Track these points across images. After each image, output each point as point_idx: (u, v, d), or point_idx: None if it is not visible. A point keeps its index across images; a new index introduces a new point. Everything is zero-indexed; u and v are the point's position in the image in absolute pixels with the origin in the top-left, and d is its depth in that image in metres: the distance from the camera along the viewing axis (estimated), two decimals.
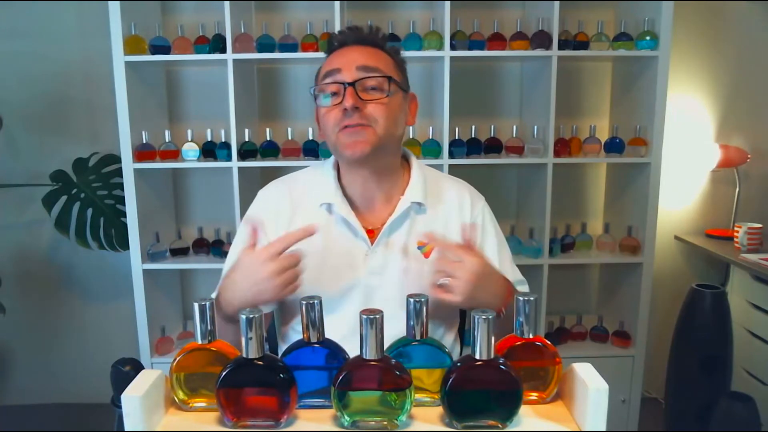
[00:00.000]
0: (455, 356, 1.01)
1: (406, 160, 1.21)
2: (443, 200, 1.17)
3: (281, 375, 0.70)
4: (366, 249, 1.11)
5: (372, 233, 1.12)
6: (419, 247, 1.12)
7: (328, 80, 1.07)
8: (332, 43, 1.13)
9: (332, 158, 1.18)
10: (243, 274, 0.95)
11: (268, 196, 1.19)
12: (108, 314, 2.56)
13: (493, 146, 2.15)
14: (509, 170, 2.45)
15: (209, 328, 0.74)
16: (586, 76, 2.40)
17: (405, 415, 0.70)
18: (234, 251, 1.17)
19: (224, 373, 0.70)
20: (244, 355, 0.70)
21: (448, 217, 1.16)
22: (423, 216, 1.14)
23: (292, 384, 0.71)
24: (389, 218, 1.11)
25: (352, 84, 1.04)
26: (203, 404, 0.75)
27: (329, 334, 0.78)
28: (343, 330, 0.95)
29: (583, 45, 2.09)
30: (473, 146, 2.14)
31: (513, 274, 1.18)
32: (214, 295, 1.04)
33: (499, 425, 0.70)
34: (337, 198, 1.12)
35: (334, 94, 1.06)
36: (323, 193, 1.13)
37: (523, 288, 1.20)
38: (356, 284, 1.10)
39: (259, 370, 0.70)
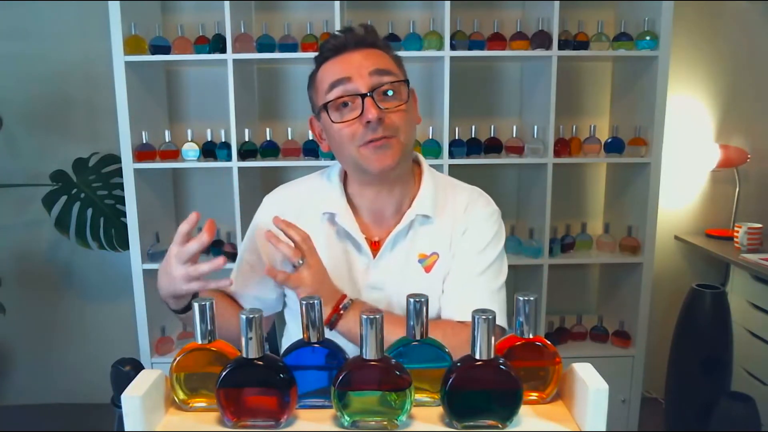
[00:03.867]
0: None
1: (417, 164, 1.14)
2: (452, 209, 1.10)
3: (281, 375, 0.70)
4: (367, 261, 1.07)
5: (377, 245, 1.08)
6: (420, 260, 1.08)
7: (337, 91, 0.98)
8: (327, 50, 1.02)
9: (338, 166, 1.12)
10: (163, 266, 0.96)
11: (273, 202, 1.15)
12: (108, 314, 2.56)
13: (493, 146, 2.15)
14: (509, 170, 2.44)
15: (209, 328, 0.73)
16: (586, 76, 2.40)
17: (405, 415, 0.70)
18: (241, 255, 1.15)
19: (224, 373, 0.70)
20: (244, 355, 0.70)
21: (453, 224, 1.09)
22: (427, 227, 1.08)
23: (292, 384, 0.71)
24: (393, 230, 1.06)
25: (370, 94, 0.96)
26: (203, 404, 0.75)
27: None
28: (344, 342, 0.92)
29: (583, 45, 2.09)
30: (473, 146, 2.14)
31: (490, 301, 1.04)
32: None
33: (499, 425, 0.70)
34: (341, 208, 1.07)
35: (346, 105, 0.98)
36: (328, 202, 1.08)
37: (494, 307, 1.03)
38: (357, 297, 1.04)
39: (259, 370, 0.70)
